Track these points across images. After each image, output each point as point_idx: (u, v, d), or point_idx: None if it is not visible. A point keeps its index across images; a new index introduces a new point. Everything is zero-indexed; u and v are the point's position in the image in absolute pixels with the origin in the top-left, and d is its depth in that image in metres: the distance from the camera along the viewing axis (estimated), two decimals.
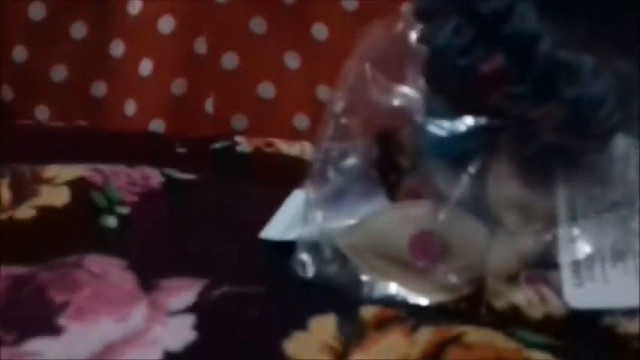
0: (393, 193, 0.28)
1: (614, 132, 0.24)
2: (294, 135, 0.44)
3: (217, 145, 0.41)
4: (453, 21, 0.23)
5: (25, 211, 0.31)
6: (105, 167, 0.35)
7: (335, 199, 0.31)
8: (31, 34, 0.45)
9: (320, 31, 0.44)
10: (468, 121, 0.24)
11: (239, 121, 0.47)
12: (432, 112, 0.24)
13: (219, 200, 0.35)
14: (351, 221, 0.28)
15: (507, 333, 0.24)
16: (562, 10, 0.23)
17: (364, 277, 0.27)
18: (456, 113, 0.24)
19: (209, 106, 0.46)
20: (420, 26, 0.25)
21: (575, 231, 0.25)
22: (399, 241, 0.26)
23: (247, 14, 0.45)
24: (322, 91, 0.44)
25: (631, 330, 0.24)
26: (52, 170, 0.34)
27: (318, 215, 0.28)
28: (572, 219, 0.25)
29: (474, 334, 0.24)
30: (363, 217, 0.28)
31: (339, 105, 0.28)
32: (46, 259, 0.28)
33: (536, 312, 0.25)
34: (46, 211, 0.31)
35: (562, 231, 0.25)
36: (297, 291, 0.27)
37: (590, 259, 0.25)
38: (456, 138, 0.24)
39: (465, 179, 0.24)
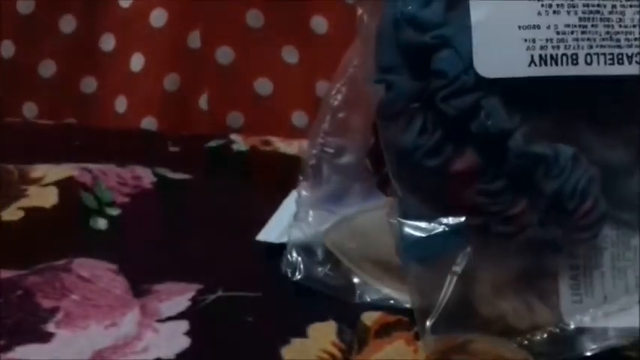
0: (385, 185, 0.27)
1: (602, 221, 0.23)
2: (293, 133, 0.43)
3: (212, 144, 0.40)
4: (419, 121, 0.23)
5: (13, 213, 0.31)
6: (94, 167, 0.34)
7: (330, 200, 0.30)
8: (19, 29, 0.44)
9: (319, 24, 0.44)
10: (445, 221, 0.23)
11: (235, 118, 0.46)
12: (407, 214, 0.23)
13: (213, 201, 0.34)
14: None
15: (515, 341, 0.24)
16: (533, 101, 0.22)
17: (356, 280, 0.26)
18: (432, 213, 0.23)
19: (203, 102, 0.46)
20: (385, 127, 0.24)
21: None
22: (385, 241, 0.25)
23: (243, 7, 0.44)
24: (322, 87, 0.44)
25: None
26: (40, 170, 0.34)
27: (309, 216, 0.27)
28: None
29: (479, 341, 0.24)
30: (349, 213, 0.27)
31: (337, 98, 0.27)
32: (35, 263, 0.28)
33: (521, 322, 0.24)
34: (34, 213, 0.31)
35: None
36: (295, 296, 0.27)
37: (589, 273, 0.24)
38: (434, 239, 0.23)
39: (450, 280, 0.23)
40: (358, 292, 0.26)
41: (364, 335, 0.24)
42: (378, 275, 0.26)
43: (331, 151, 0.28)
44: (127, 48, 0.45)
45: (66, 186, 0.32)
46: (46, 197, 0.32)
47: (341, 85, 0.28)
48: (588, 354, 0.23)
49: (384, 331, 0.24)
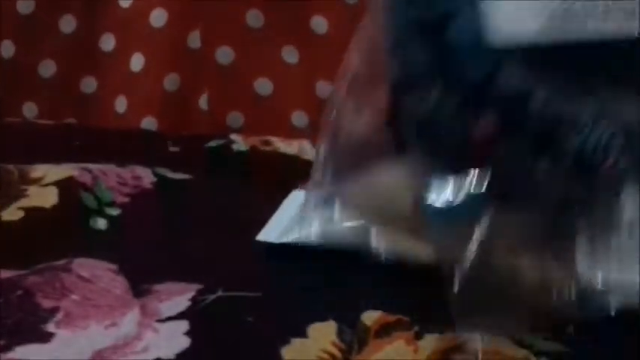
0: (402, 146, 0.26)
1: (624, 179, 0.23)
2: (293, 133, 0.43)
3: (212, 144, 0.40)
4: (436, 90, 0.22)
5: (13, 213, 0.31)
6: (94, 167, 0.34)
7: (330, 199, 0.30)
8: (19, 29, 0.44)
9: (319, 24, 0.43)
10: (467, 185, 0.23)
11: (235, 118, 0.46)
12: (428, 179, 0.23)
13: (213, 201, 0.34)
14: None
15: (515, 340, 0.24)
16: (551, 62, 0.22)
17: (373, 237, 0.26)
18: (453, 178, 0.23)
19: (203, 102, 0.46)
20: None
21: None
22: (402, 200, 0.25)
23: (243, 7, 0.44)
24: (322, 87, 0.44)
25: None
26: (40, 170, 0.34)
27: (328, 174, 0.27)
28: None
29: (479, 341, 0.23)
30: (367, 171, 0.26)
31: (354, 57, 0.27)
32: (35, 263, 0.28)
33: (534, 276, 0.23)
34: (34, 213, 0.31)
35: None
36: (295, 296, 0.27)
37: (607, 233, 0.23)
38: (459, 206, 0.23)
39: (473, 245, 0.23)
40: (375, 248, 0.26)
41: (364, 335, 0.24)
42: (396, 233, 0.26)
43: (350, 106, 0.27)
44: (127, 48, 0.44)
45: (66, 186, 0.32)
46: (46, 197, 0.32)
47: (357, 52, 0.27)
48: (608, 314, 0.23)
49: (384, 331, 0.24)
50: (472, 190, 0.23)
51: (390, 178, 0.26)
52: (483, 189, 0.23)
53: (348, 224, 0.27)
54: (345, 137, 0.27)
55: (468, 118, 0.22)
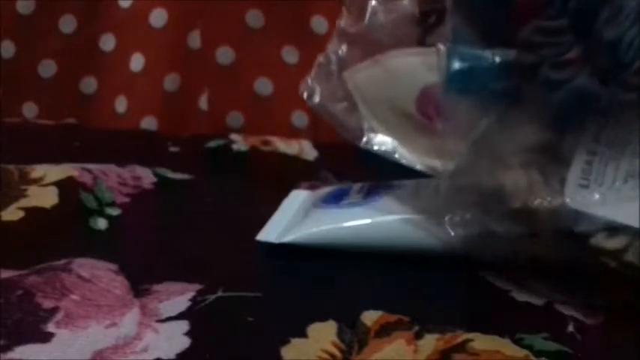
0: (426, 37, 0.26)
1: None
2: (293, 133, 0.43)
3: (212, 144, 0.40)
4: None
5: (13, 213, 0.30)
6: (94, 167, 0.34)
7: (330, 200, 0.30)
8: (19, 29, 0.44)
9: (319, 24, 0.43)
10: (496, 54, 0.22)
11: (235, 118, 0.46)
12: (457, 42, 0.23)
13: (213, 201, 0.34)
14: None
15: (515, 339, 0.24)
16: None
17: (367, 126, 0.26)
18: (484, 45, 0.22)
19: (203, 102, 0.46)
20: None
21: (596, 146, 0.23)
22: (409, 89, 0.25)
23: (243, 7, 0.44)
24: None
25: (605, 245, 0.23)
26: (40, 170, 0.34)
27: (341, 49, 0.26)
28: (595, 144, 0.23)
29: (479, 340, 0.24)
30: (381, 55, 0.26)
31: None
32: (35, 263, 0.28)
33: (519, 197, 0.23)
34: (34, 213, 0.31)
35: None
36: (295, 296, 0.27)
37: (604, 164, 0.23)
38: (480, 73, 0.23)
39: (483, 125, 0.23)
40: (365, 137, 0.26)
41: (364, 335, 0.24)
42: (392, 124, 0.26)
43: None
44: (127, 48, 0.44)
45: (66, 186, 0.32)
46: (46, 197, 0.32)
47: None
48: (580, 230, 0.23)
49: (384, 331, 0.24)
50: (499, 56, 0.22)
51: (405, 63, 0.25)
52: (511, 58, 0.22)
53: (345, 104, 0.26)
54: (370, 18, 0.27)
55: None
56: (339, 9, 0.43)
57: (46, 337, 0.24)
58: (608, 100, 0.23)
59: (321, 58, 0.27)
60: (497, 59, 0.23)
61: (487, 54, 0.23)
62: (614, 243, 0.23)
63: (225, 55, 0.45)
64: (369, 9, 0.27)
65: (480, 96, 0.23)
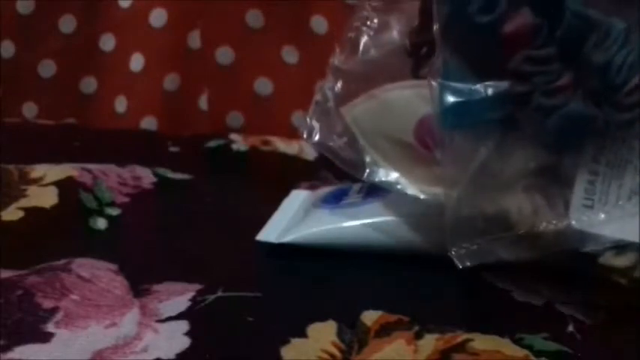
0: (419, 68, 0.26)
1: None
2: (292, 133, 0.43)
3: (212, 144, 0.40)
4: None
5: (13, 213, 0.30)
6: (94, 167, 0.34)
7: (330, 200, 0.30)
8: (19, 29, 0.44)
9: (319, 24, 0.43)
10: (488, 86, 0.23)
11: (234, 118, 0.46)
12: (449, 76, 0.23)
13: (213, 201, 0.34)
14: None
15: (515, 339, 0.24)
16: None
17: (368, 159, 0.26)
18: (475, 77, 0.23)
19: (203, 102, 0.46)
20: None
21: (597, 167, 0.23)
22: (406, 121, 0.25)
23: (243, 7, 0.44)
24: None
25: (614, 264, 0.24)
26: (40, 170, 0.34)
27: (337, 85, 0.26)
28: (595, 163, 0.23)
29: (479, 340, 0.24)
30: (377, 89, 0.26)
31: None
32: (35, 263, 0.28)
33: (523, 220, 0.24)
34: (34, 213, 0.31)
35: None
36: (295, 296, 0.27)
37: (607, 184, 0.23)
38: (474, 106, 0.23)
39: (482, 154, 0.23)
40: (368, 170, 0.26)
41: (364, 335, 0.24)
42: (392, 156, 0.26)
43: (374, 25, 0.27)
44: (127, 48, 0.44)
45: (66, 186, 0.32)
46: (45, 197, 0.32)
47: None
48: (585, 250, 0.23)
49: (384, 331, 0.24)
50: (492, 89, 0.22)
51: (401, 96, 0.26)
52: (504, 90, 0.22)
53: (345, 139, 0.27)
54: (363, 54, 0.27)
55: (503, 7, 0.22)
56: (339, 9, 0.43)
57: (45, 337, 0.23)
58: (604, 121, 0.23)
59: (317, 96, 0.27)
60: (490, 91, 0.23)
61: (479, 87, 0.23)
62: (623, 261, 0.24)
63: (225, 55, 0.45)
64: (362, 45, 0.27)
65: (476, 127, 0.23)
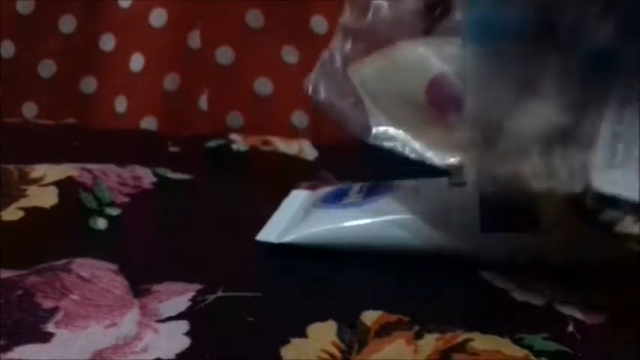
0: (433, 27, 0.25)
1: None
2: (293, 133, 0.43)
3: (212, 144, 0.40)
4: None
5: (13, 213, 0.30)
6: (94, 167, 0.34)
7: (330, 200, 0.30)
8: (19, 29, 0.44)
9: (319, 24, 0.43)
10: (516, 6, 0.21)
11: (234, 118, 0.46)
12: None
13: (213, 201, 0.34)
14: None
15: (515, 339, 0.24)
16: None
17: (374, 121, 0.25)
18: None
19: (203, 102, 0.46)
20: None
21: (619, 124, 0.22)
22: (417, 80, 0.24)
23: (243, 7, 0.44)
24: None
25: (633, 231, 0.23)
26: (40, 170, 0.34)
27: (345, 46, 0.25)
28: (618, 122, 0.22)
29: (479, 340, 0.24)
30: (387, 49, 0.25)
31: None
32: (35, 263, 0.28)
33: (539, 184, 0.23)
34: (34, 213, 0.31)
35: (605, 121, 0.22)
36: (295, 296, 0.27)
37: (629, 145, 0.23)
38: (501, 18, 0.22)
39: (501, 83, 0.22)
40: (374, 133, 0.25)
41: (364, 335, 0.24)
42: (401, 118, 0.25)
43: None
44: (127, 48, 0.44)
45: (66, 186, 0.32)
46: (45, 197, 0.32)
47: None
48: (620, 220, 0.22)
49: (384, 330, 0.24)
50: (519, 10, 0.21)
51: (413, 54, 0.25)
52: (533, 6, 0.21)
53: (351, 100, 0.26)
54: (374, 13, 0.26)
55: None
56: (340, 8, 0.43)
57: (45, 337, 0.23)
58: (635, 56, 0.22)
59: (325, 55, 0.26)
60: (520, 9, 0.22)
61: (508, 3, 0.22)
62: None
63: (225, 55, 0.45)
64: (373, 4, 0.26)
65: (499, 55, 0.22)
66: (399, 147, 0.25)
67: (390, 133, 0.25)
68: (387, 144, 0.25)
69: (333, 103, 0.26)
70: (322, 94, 0.26)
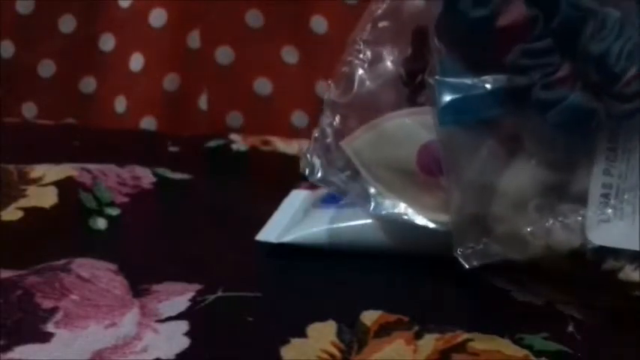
0: (416, 96, 0.26)
1: None
2: (292, 133, 0.43)
3: (212, 144, 0.40)
4: None
5: (13, 213, 0.30)
6: (94, 167, 0.34)
7: (330, 200, 0.30)
8: (19, 29, 0.44)
9: (319, 24, 0.44)
10: (485, 81, 0.23)
11: (234, 118, 0.46)
12: (446, 73, 0.23)
13: (213, 201, 0.34)
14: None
15: (515, 339, 0.24)
16: None
17: (372, 191, 0.26)
18: (472, 73, 0.23)
19: (203, 102, 0.46)
20: None
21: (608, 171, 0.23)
22: (407, 149, 0.25)
23: (243, 7, 0.44)
24: (321, 87, 0.44)
25: (633, 277, 0.23)
26: (39, 170, 0.34)
27: (335, 120, 0.26)
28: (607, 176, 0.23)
29: (479, 340, 0.24)
30: (376, 120, 0.26)
31: (379, 7, 0.27)
32: (35, 263, 0.28)
33: (537, 241, 0.23)
34: (33, 213, 0.31)
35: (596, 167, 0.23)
36: (294, 296, 0.27)
37: (621, 196, 0.23)
38: (473, 102, 0.23)
39: (482, 154, 0.23)
40: (373, 202, 0.26)
41: (364, 335, 0.24)
42: (396, 186, 0.26)
43: (367, 58, 0.27)
44: (126, 48, 0.44)
45: (65, 186, 0.32)
46: (45, 197, 0.32)
47: None
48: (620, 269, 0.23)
49: (384, 331, 0.24)
50: (490, 83, 0.22)
51: (400, 125, 0.25)
52: (501, 84, 0.22)
53: (347, 173, 0.27)
54: (359, 87, 0.27)
55: (498, 2, 0.22)
56: (339, 9, 0.43)
57: (45, 337, 0.23)
58: (605, 114, 0.23)
59: (316, 133, 0.27)
60: (488, 86, 0.23)
61: (477, 82, 0.23)
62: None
63: (224, 55, 0.45)
64: (357, 78, 0.27)
65: (476, 129, 0.23)
66: (399, 214, 0.26)
67: (388, 202, 0.26)
68: (386, 212, 0.26)
69: (330, 178, 0.27)
70: (319, 173, 0.27)
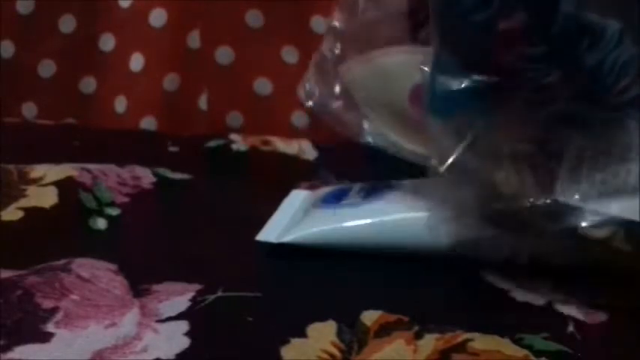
0: (416, 32, 0.26)
1: (632, 105, 0.23)
2: (292, 133, 0.43)
3: (212, 144, 0.40)
4: None
5: (13, 213, 0.30)
6: (94, 167, 0.34)
7: (330, 200, 0.30)
8: (19, 29, 0.44)
9: (319, 24, 0.44)
10: (477, 81, 0.23)
11: (234, 118, 0.46)
12: (440, 68, 0.23)
13: (213, 201, 0.34)
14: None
15: (515, 339, 0.24)
16: None
17: (366, 123, 0.26)
18: (465, 71, 0.23)
19: (203, 102, 0.46)
20: None
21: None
22: (401, 86, 0.25)
23: (243, 7, 0.44)
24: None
25: (594, 234, 0.24)
26: (39, 170, 0.34)
27: (337, 48, 0.27)
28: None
29: (479, 340, 0.24)
30: (374, 52, 0.26)
31: None
32: (35, 263, 0.28)
33: (509, 189, 0.24)
34: (33, 213, 0.31)
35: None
36: (294, 296, 0.27)
37: (594, 160, 0.24)
38: (462, 95, 0.23)
39: (465, 143, 0.23)
40: (365, 133, 0.26)
41: (364, 335, 0.24)
42: (388, 119, 0.26)
43: None
44: (126, 48, 0.44)
45: (65, 186, 0.32)
46: (45, 197, 0.32)
47: None
48: (582, 224, 0.23)
49: (384, 330, 0.24)
50: (482, 81, 0.23)
51: (397, 62, 0.26)
52: (493, 83, 0.22)
53: (343, 102, 0.27)
54: (363, 16, 0.27)
55: (498, 7, 0.22)
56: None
57: (45, 337, 0.24)
58: (592, 119, 0.23)
59: (316, 57, 0.27)
60: (480, 85, 0.23)
61: (468, 81, 0.23)
62: (603, 232, 0.24)
63: (224, 55, 0.45)
64: (360, 5, 0.27)
65: (463, 115, 0.23)
66: (388, 146, 0.26)
67: (380, 134, 0.26)
68: (376, 143, 0.26)
69: (325, 105, 0.26)
70: (315, 99, 0.26)
